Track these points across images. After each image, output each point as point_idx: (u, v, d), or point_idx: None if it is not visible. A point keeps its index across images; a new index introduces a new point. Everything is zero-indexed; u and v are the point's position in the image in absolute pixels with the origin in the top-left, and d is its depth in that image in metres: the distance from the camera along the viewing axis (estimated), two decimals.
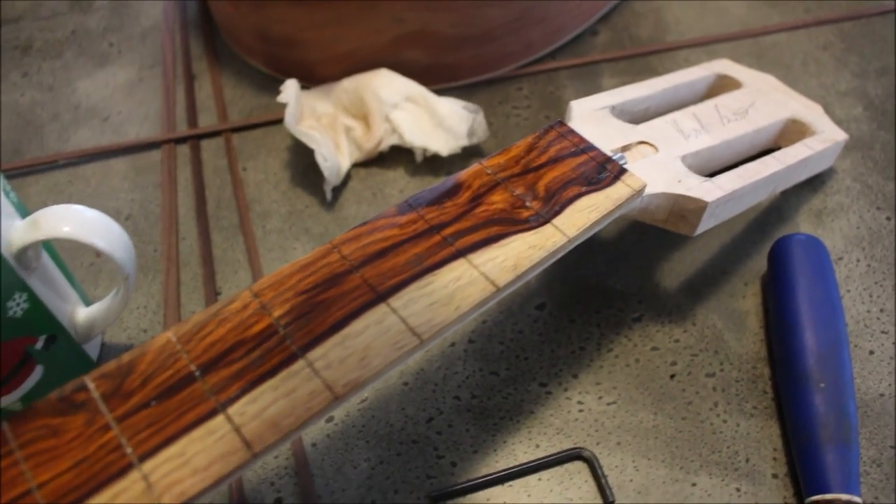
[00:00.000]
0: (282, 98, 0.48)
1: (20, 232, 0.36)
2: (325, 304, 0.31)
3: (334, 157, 0.47)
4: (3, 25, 0.64)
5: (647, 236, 0.46)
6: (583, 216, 0.35)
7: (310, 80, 0.53)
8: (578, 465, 0.39)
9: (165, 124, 0.54)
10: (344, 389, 0.28)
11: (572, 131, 0.39)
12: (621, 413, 0.40)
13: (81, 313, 0.41)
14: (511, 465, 0.38)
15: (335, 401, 0.28)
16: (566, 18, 0.55)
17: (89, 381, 0.28)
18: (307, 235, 0.48)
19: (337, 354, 0.29)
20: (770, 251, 0.43)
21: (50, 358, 0.39)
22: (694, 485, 0.38)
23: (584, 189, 0.36)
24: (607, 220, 0.36)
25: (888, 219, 0.46)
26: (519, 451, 0.39)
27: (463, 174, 0.36)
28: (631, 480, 0.38)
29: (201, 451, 0.27)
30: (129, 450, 0.27)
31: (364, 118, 0.50)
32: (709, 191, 0.38)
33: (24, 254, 0.36)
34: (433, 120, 0.48)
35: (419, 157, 0.49)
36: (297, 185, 0.50)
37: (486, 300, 0.32)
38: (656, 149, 0.40)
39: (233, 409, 0.28)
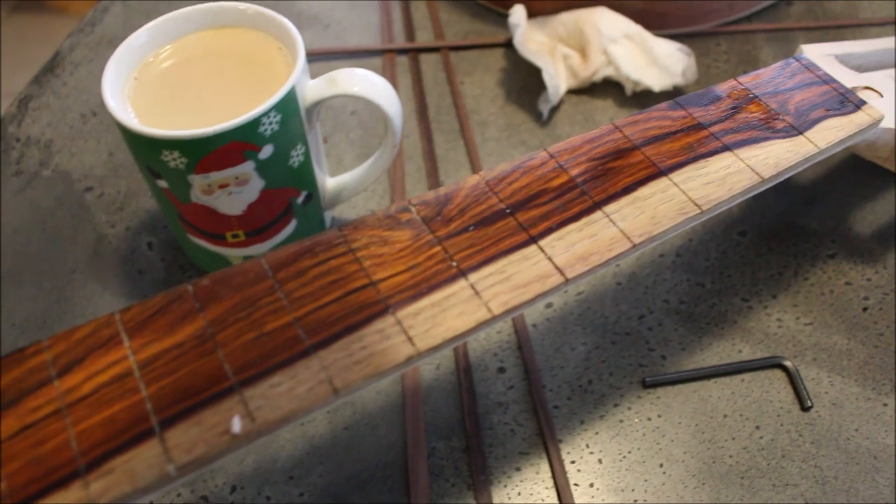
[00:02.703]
0: (512, 20, 0.50)
1: (315, 88, 0.38)
2: (615, 171, 0.32)
3: (556, 78, 0.49)
4: None
5: (839, 185, 0.47)
6: (830, 133, 0.36)
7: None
8: (778, 373, 0.40)
9: (385, 36, 0.56)
10: (640, 239, 0.30)
11: (814, 65, 0.40)
12: (816, 334, 0.41)
13: (330, 181, 0.43)
14: (717, 364, 0.40)
15: (632, 248, 0.30)
16: None
17: (411, 205, 0.30)
18: (524, 146, 0.49)
19: (630, 211, 0.31)
20: None
21: (303, 215, 0.41)
22: (885, 405, 0.39)
23: (829, 112, 0.37)
24: (847, 143, 0.37)
25: None
26: (723, 353, 0.40)
27: (721, 87, 0.37)
28: (826, 392, 0.39)
29: (519, 272, 0.29)
30: (454, 263, 0.29)
31: (581, 49, 0.51)
32: None
33: (313, 109, 0.38)
34: (648, 58, 0.50)
35: (629, 91, 0.51)
36: (513, 102, 0.52)
37: (753, 188, 0.33)
38: (881, 94, 0.42)
39: (543, 242, 0.29)
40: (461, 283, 0.28)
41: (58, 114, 0.55)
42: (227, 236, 0.40)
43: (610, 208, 0.31)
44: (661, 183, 0.32)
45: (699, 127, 0.35)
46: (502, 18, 0.58)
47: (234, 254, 0.41)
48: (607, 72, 0.50)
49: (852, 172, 0.48)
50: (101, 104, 0.55)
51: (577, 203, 0.31)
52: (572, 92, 0.52)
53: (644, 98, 0.51)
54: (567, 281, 0.28)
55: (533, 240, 0.29)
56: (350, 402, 0.39)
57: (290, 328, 0.26)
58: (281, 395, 0.25)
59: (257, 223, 0.39)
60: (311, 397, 0.25)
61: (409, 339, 0.26)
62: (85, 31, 0.60)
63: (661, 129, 0.34)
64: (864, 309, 0.42)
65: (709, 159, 0.33)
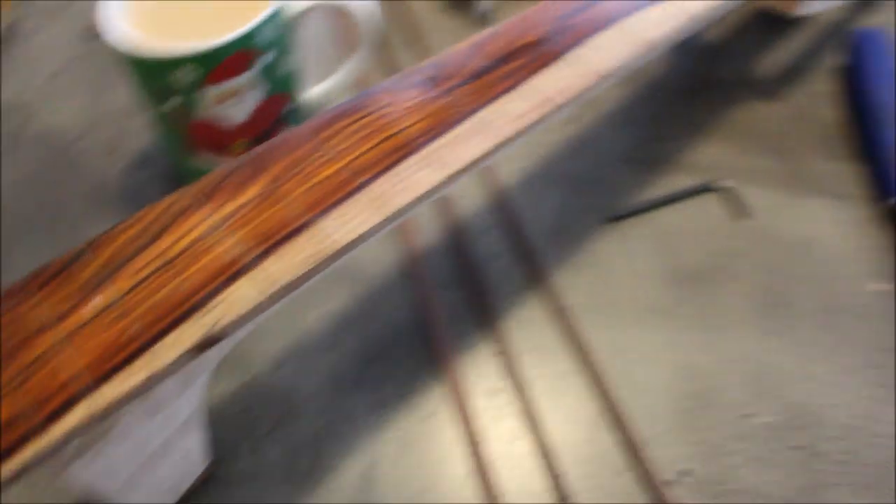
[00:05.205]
0: None
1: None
2: (573, 27, 0.38)
3: None
4: None
5: (741, 41, 0.55)
6: None
7: None
8: (718, 194, 0.47)
9: None
10: (608, 69, 0.36)
11: None
12: (743, 159, 0.48)
13: (313, 89, 0.48)
14: (665, 193, 0.46)
15: (602, 78, 0.35)
16: None
17: (413, 70, 0.35)
18: None
19: (593, 53, 0.36)
20: (848, 41, 0.52)
21: (295, 121, 0.46)
22: (802, 203, 0.46)
23: None
24: None
25: None
26: (670, 186, 0.47)
27: None
28: (759, 203, 0.46)
29: (516, 106, 0.34)
30: (461, 107, 0.34)
31: None
32: None
33: (298, 19, 0.42)
34: None
35: None
36: (453, 10, 0.57)
37: (685, 27, 0.39)
38: None
39: (532, 81, 0.35)
40: (471, 121, 0.33)
41: (27, 77, 0.57)
42: (233, 147, 0.44)
43: (577, 52, 0.36)
44: (615, 29, 0.38)
45: None
46: None
47: None
48: None
49: (752, 29, 0.55)
50: (67, 63, 0.57)
51: (550, 53, 0.36)
52: None
53: None
54: (559, 106, 0.34)
55: (521, 82, 0.35)
56: (362, 278, 0.44)
57: (341, 173, 0.31)
58: (347, 223, 0.30)
59: (259, 130, 0.43)
60: (372, 220, 0.30)
61: (439, 167, 0.32)
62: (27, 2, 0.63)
63: None
64: (778, 134, 0.49)
65: (649, 7, 0.39)
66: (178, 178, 0.49)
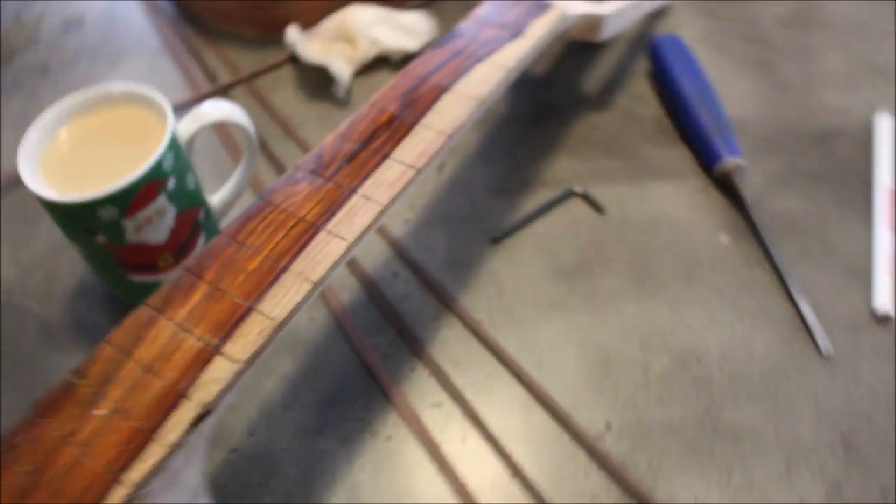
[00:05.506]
0: (289, 39, 0.64)
1: (188, 125, 0.50)
2: (417, 98, 0.47)
3: (340, 68, 0.63)
4: (15, 56, 0.76)
5: (563, 68, 0.65)
6: (544, 26, 0.52)
7: None
8: (576, 199, 0.56)
9: (192, 86, 0.68)
10: (451, 130, 0.44)
11: None
12: (588, 165, 0.58)
13: (214, 197, 0.55)
14: (534, 208, 0.56)
15: (448, 138, 0.44)
16: None
17: (298, 167, 0.44)
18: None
19: (437, 118, 0.45)
20: (650, 49, 0.62)
21: (207, 228, 0.53)
22: (644, 188, 0.56)
23: (535, 16, 0.53)
24: (559, 30, 0.53)
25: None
26: (538, 203, 0.56)
27: (461, 25, 0.53)
28: (609, 199, 0.55)
29: (388, 176, 0.42)
30: (344, 188, 0.42)
31: (349, 41, 0.66)
32: (605, 10, 0.57)
33: (190, 142, 0.50)
34: (400, 30, 0.65)
35: (395, 59, 0.66)
36: (316, 99, 0.66)
37: (507, 77, 0.48)
38: None
39: (394, 154, 0.43)
40: (356, 196, 0.41)
41: None
42: (160, 263, 0.51)
43: (426, 120, 0.45)
44: (451, 93, 0.47)
45: (460, 52, 0.50)
46: (279, 41, 0.71)
47: (168, 277, 0.52)
48: (375, 51, 0.65)
49: (569, 56, 0.65)
50: None
51: (404, 126, 0.45)
52: (356, 76, 0.67)
53: (409, 60, 0.67)
54: (419, 169, 0.42)
55: (387, 156, 0.43)
56: (300, 340, 0.51)
57: (265, 262, 0.39)
58: (282, 299, 0.38)
59: (179, 242, 0.51)
60: (300, 293, 0.38)
61: (341, 238, 0.40)
62: None
63: (442, 57, 0.49)
64: (612, 137, 0.59)
65: (474, 69, 0.48)
66: (117, 300, 0.55)
